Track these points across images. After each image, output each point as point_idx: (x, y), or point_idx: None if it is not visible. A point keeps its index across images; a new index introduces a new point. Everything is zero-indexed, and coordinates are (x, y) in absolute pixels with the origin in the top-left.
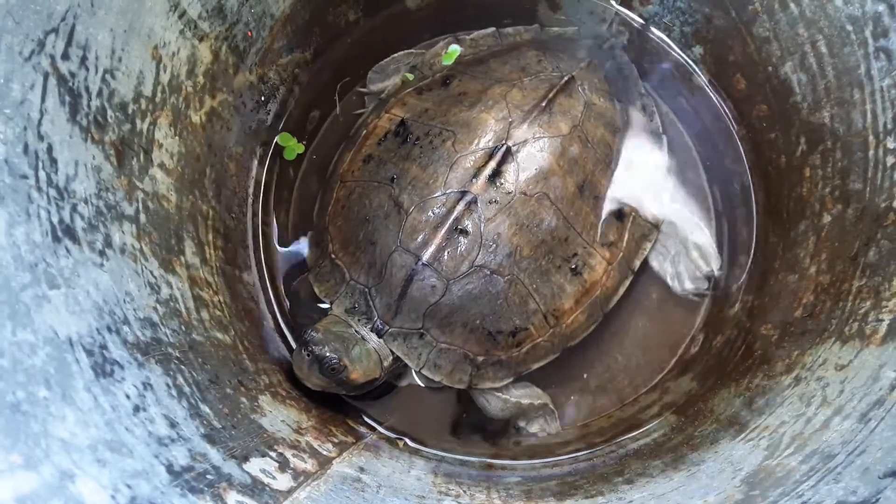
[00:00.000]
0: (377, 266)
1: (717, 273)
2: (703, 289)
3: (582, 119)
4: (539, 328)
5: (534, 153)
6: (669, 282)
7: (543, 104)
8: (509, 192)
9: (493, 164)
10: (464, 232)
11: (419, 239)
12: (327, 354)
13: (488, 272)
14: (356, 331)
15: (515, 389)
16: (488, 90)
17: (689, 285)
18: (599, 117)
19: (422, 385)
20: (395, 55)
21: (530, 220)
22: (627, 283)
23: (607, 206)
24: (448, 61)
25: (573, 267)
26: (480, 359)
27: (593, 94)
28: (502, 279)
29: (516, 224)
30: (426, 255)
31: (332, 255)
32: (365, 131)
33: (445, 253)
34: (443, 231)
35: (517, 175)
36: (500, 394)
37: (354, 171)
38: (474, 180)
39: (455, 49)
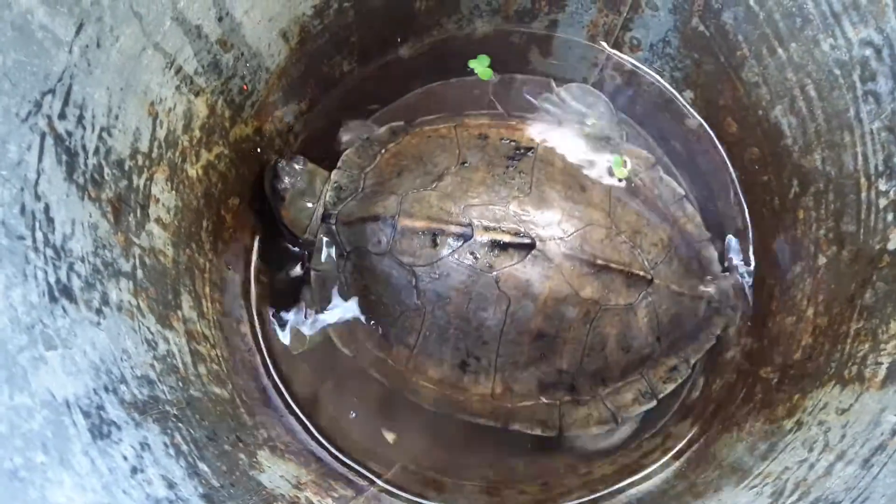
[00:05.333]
0: (382, 190)
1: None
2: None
3: (607, 310)
4: (398, 353)
5: (540, 272)
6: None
7: (600, 262)
8: (489, 266)
9: (507, 239)
10: (434, 242)
11: (413, 209)
12: (284, 178)
13: (412, 281)
14: (322, 197)
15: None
16: (586, 209)
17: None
18: (627, 327)
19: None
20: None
21: (476, 298)
22: (490, 423)
23: (542, 372)
24: (620, 175)
25: (465, 362)
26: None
27: (648, 316)
28: (415, 298)
29: (464, 288)
30: (398, 221)
31: (383, 151)
32: (512, 123)
33: (409, 236)
34: (424, 224)
35: (510, 267)
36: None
37: (469, 131)
38: (485, 232)
39: (621, 166)
